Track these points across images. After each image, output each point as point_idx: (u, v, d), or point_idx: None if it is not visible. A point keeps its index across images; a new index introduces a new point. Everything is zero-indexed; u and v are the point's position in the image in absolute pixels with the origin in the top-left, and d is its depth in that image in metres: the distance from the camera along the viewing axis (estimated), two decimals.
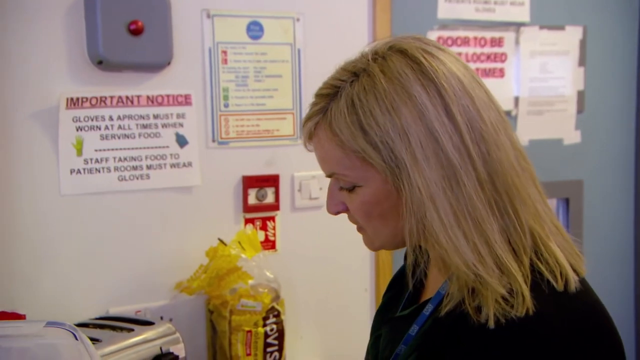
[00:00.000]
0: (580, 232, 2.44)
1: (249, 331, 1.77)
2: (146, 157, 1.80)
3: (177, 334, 1.58)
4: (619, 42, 2.53)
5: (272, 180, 1.95)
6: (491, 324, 0.81)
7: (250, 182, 1.92)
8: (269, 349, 1.80)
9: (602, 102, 2.50)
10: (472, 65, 2.22)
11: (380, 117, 0.86)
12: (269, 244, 1.97)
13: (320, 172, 1.99)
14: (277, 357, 1.82)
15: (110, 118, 1.75)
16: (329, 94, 0.92)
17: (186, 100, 1.84)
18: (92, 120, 1.73)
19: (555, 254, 0.88)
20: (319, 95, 0.94)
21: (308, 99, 2.00)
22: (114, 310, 1.76)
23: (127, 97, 1.77)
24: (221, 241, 1.83)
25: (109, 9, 1.67)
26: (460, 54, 2.22)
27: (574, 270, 0.88)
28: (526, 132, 2.30)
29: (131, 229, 1.80)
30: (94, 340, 1.41)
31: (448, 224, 0.85)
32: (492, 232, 0.85)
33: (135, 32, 1.70)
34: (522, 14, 2.33)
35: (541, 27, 2.37)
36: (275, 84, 1.94)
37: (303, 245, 2.01)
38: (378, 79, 0.88)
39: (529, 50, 2.36)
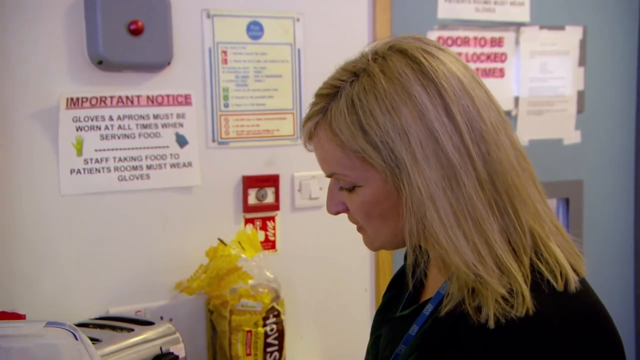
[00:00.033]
0: (580, 232, 2.44)
1: (249, 331, 1.77)
2: (146, 157, 1.80)
3: (177, 334, 1.58)
4: (619, 42, 2.53)
5: (272, 180, 1.95)
6: (491, 324, 0.81)
7: (250, 182, 1.92)
8: (269, 349, 1.80)
9: (602, 102, 2.50)
10: (472, 65, 2.22)
11: (380, 117, 0.87)
12: (269, 244, 1.97)
13: (320, 172, 1.99)
14: (277, 357, 1.82)
15: (110, 118, 1.75)
16: (329, 94, 0.92)
17: (186, 100, 1.84)
18: (92, 120, 1.73)
19: (555, 254, 0.88)
20: (319, 95, 0.94)
21: (308, 99, 2.00)
22: (114, 310, 1.76)
23: (127, 97, 1.77)
24: (221, 241, 1.83)
25: (109, 8, 1.67)
26: (460, 54, 2.22)
27: (574, 270, 0.88)
28: (526, 132, 2.30)
29: (131, 229, 1.80)
30: (94, 340, 1.41)
31: (448, 224, 0.85)
32: (492, 232, 0.85)
33: (135, 32, 1.70)
34: (522, 14, 2.33)
35: (541, 27, 2.37)
36: (275, 84, 1.94)
37: (303, 245, 2.01)
38: (378, 79, 0.88)
39: (529, 50, 2.36)
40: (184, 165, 1.84)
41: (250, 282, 1.80)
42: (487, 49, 2.29)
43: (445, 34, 2.22)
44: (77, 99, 1.71)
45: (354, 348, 2.07)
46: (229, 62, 1.88)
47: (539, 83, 2.38)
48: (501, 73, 2.32)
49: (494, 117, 0.89)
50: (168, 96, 1.82)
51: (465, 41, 2.25)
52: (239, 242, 1.83)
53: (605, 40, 2.49)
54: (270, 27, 1.92)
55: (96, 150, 1.74)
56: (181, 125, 1.83)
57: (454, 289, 0.87)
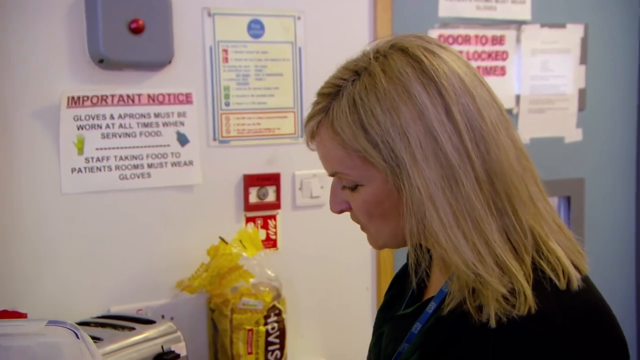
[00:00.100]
0: (582, 230, 2.44)
1: (250, 330, 1.77)
2: (147, 156, 1.80)
3: (179, 333, 1.58)
4: (620, 40, 2.53)
5: (273, 179, 1.95)
6: (492, 323, 0.81)
7: (251, 180, 1.92)
8: (270, 348, 1.80)
9: (603, 100, 2.50)
10: (473, 64, 2.22)
11: (381, 116, 0.86)
12: (270, 243, 1.97)
13: (321, 171, 2.00)
14: (278, 355, 1.82)
15: (111, 117, 1.75)
16: (331, 93, 0.92)
17: (187, 98, 1.84)
18: (93, 118, 1.73)
19: (556, 253, 0.87)
20: (320, 94, 0.94)
21: (309, 97, 2.01)
22: (115, 309, 1.76)
23: (128, 96, 1.77)
24: (222, 240, 1.83)
25: (109, 7, 1.67)
26: (461, 52, 2.22)
27: (577, 268, 0.88)
28: (527, 131, 2.30)
29: (132, 227, 1.80)
30: (95, 338, 1.41)
31: (447, 223, 0.85)
32: (490, 232, 0.85)
33: (136, 30, 1.70)
34: (523, 12, 2.33)
35: (542, 25, 2.36)
36: (276, 82, 1.94)
37: (304, 244, 2.01)
38: (379, 78, 0.88)
39: (530, 48, 2.35)
40: (185, 163, 1.84)
41: (252, 280, 1.80)
42: (488, 47, 2.29)
43: (446, 32, 2.22)
44: (78, 97, 1.71)
45: (355, 346, 2.07)
46: (229, 61, 1.88)
47: (540, 81, 2.38)
48: (502, 71, 2.32)
49: (495, 115, 0.89)
50: (169, 95, 1.81)
51: (466, 39, 2.25)
52: (240, 241, 1.83)
53: (606, 38, 2.48)
54: (271, 25, 1.92)
55: (97, 149, 1.74)
56: (182, 123, 1.83)
57: (455, 289, 0.87)
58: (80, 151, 1.72)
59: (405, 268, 1.11)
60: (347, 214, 1.00)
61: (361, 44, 0.97)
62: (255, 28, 1.91)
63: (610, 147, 2.55)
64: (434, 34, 2.20)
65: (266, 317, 1.79)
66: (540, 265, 0.86)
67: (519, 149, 0.90)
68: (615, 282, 2.60)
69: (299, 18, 1.95)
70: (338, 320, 2.08)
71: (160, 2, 1.74)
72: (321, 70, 1.01)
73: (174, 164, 1.83)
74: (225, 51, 1.88)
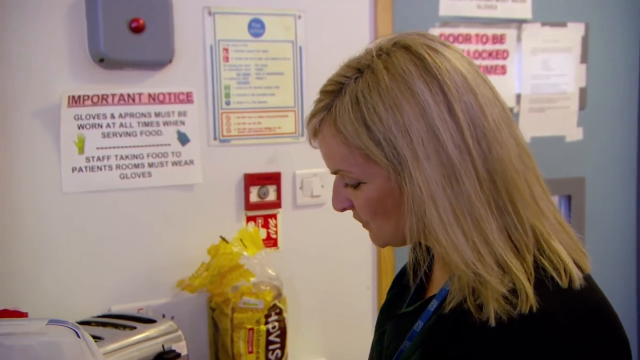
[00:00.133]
0: (582, 229, 2.44)
1: (251, 329, 1.77)
2: (148, 155, 1.80)
3: (179, 332, 1.58)
4: (621, 39, 2.53)
5: (273, 178, 1.95)
6: (492, 322, 0.81)
7: (252, 179, 1.92)
8: (271, 347, 1.80)
9: (604, 99, 2.50)
10: None
11: (383, 114, 0.86)
12: (270, 242, 1.97)
13: (321, 170, 2.00)
14: (279, 354, 1.82)
15: (112, 116, 1.75)
16: (334, 91, 0.92)
17: (188, 98, 1.84)
18: (94, 118, 1.73)
19: (557, 252, 0.87)
20: (323, 92, 0.94)
21: (310, 96, 2.01)
22: (116, 308, 1.76)
23: (128, 95, 1.77)
24: (223, 239, 1.83)
25: (110, 6, 1.67)
26: (461, 51, 2.22)
27: (579, 267, 0.88)
28: (528, 129, 2.30)
29: (133, 226, 1.80)
30: (96, 338, 1.41)
31: (447, 222, 0.85)
32: (491, 230, 0.85)
33: (137, 29, 1.70)
34: (524, 10, 2.32)
35: (543, 24, 2.36)
36: (276, 81, 1.94)
37: (305, 243, 2.01)
38: (382, 76, 0.88)
39: (530, 47, 2.35)
40: (186, 163, 1.84)
41: (252, 279, 1.80)
42: (489, 46, 2.29)
43: (447, 31, 2.22)
44: (79, 96, 1.71)
45: (356, 345, 2.07)
46: (230, 60, 1.88)
47: (540, 80, 2.38)
48: (503, 70, 2.32)
49: (498, 114, 0.89)
50: (169, 94, 1.81)
51: (467, 38, 2.25)
52: (241, 240, 1.83)
53: (607, 37, 2.48)
54: (272, 24, 1.92)
55: (98, 148, 1.74)
56: (183, 123, 1.83)
57: (456, 287, 0.87)
58: (81, 150, 1.72)
59: (407, 266, 1.11)
60: (348, 213, 1.00)
61: (362, 43, 0.97)
62: (256, 27, 1.91)
63: (611, 146, 2.55)
64: (434, 32, 2.19)
65: (267, 316, 1.79)
66: (542, 264, 0.86)
67: (522, 147, 0.90)
68: (615, 281, 2.60)
69: (299, 17, 1.95)
70: (339, 320, 2.08)
71: (161, 1, 1.74)
72: (322, 69, 1.01)
73: (174, 163, 1.83)
74: (226, 50, 1.88)
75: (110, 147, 1.75)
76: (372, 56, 0.90)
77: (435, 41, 0.91)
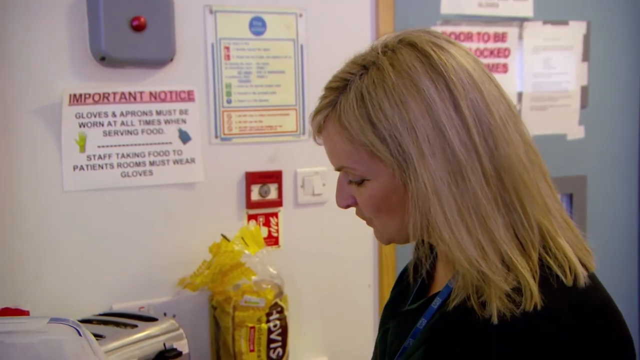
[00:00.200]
0: (584, 227, 2.41)
1: (253, 327, 1.77)
2: (149, 154, 1.80)
3: (181, 330, 1.58)
4: (622, 38, 2.52)
5: (275, 177, 1.95)
6: (494, 320, 0.81)
7: (253, 178, 1.92)
8: (272, 345, 1.80)
9: (605, 98, 2.50)
10: None
11: (388, 110, 0.86)
12: (272, 240, 1.97)
13: (323, 168, 2.00)
14: (281, 353, 1.82)
15: (113, 114, 1.75)
16: (339, 87, 0.92)
17: (189, 96, 1.84)
18: (95, 116, 1.73)
19: (563, 249, 0.87)
20: (328, 89, 0.93)
21: (311, 94, 2.01)
22: (118, 307, 1.76)
23: (129, 94, 1.77)
24: (224, 237, 1.83)
25: (111, 5, 1.67)
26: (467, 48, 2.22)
27: (584, 266, 0.88)
28: (529, 128, 2.27)
29: (134, 225, 1.80)
30: (97, 336, 1.41)
31: (452, 219, 0.84)
32: (497, 228, 0.85)
33: (138, 28, 1.69)
34: (525, 9, 2.32)
35: (545, 22, 2.36)
36: (278, 79, 1.94)
37: (306, 242, 2.01)
38: (387, 72, 0.87)
39: (532, 45, 2.35)
40: (187, 161, 1.84)
41: (254, 278, 1.80)
42: (491, 45, 2.28)
43: (449, 29, 2.21)
44: (80, 95, 1.71)
45: (358, 344, 2.07)
46: (231, 58, 1.88)
47: (542, 78, 2.38)
48: (504, 68, 2.32)
49: (504, 111, 0.88)
50: (171, 92, 1.81)
51: (469, 36, 2.25)
52: (242, 238, 1.83)
53: (609, 35, 2.48)
54: (273, 23, 1.92)
55: (99, 147, 1.74)
56: (184, 121, 1.83)
57: (460, 285, 0.86)
58: (82, 149, 1.72)
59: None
60: (349, 211, 1.00)
61: (363, 41, 0.97)
62: (257, 25, 1.90)
63: (613, 145, 2.55)
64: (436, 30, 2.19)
65: (268, 314, 1.79)
66: (547, 262, 0.86)
67: (528, 144, 0.90)
68: (617, 280, 2.59)
69: (300, 15, 1.95)
70: (340, 318, 2.08)
71: None
72: (323, 67, 1.01)
73: (175, 162, 1.83)
74: (227, 48, 1.87)
75: (111, 146, 1.75)
76: (378, 53, 0.90)
77: (441, 38, 0.91)
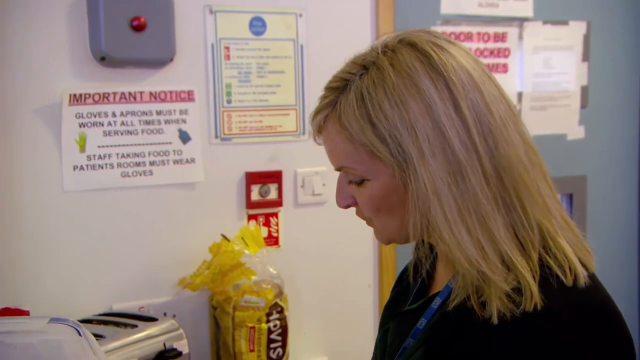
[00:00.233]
0: (584, 227, 2.41)
1: (253, 327, 1.77)
2: (149, 154, 1.80)
3: (181, 330, 1.58)
4: (622, 38, 2.52)
5: (275, 177, 1.95)
6: (494, 320, 0.81)
7: (253, 178, 1.92)
8: (272, 345, 1.80)
9: (605, 98, 2.50)
10: None
11: (388, 110, 0.86)
12: (272, 240, 1.97)
13: (323, 168, 2.00)
14: (281, 353, 1.82)
15: (113, 114, 1.75)
16: (339, 87, 0.92)
17: (189, 96, 1.84)
18: (95, 116, 1.73)
19: (563, 249, 0.87)
20: (328, 89, 0.93)
21: (311, 94, 2.01)
22: (118, 307, 1.76)
23: (129, 94, 1.77)
24: (224, 237, 1.83)
25: (111, 5, 1.67)
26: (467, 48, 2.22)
27: (584, 266, 0.88)
28: (529, 128, 2.27)
29: (134, 225, 1.80)
30: (97, 336, 1.41)
31: (452, 219, 0.84)
32: (497, 228, 0.85)
33: (138, 28, 1.69)
34: (525, 9, 2.32)
35: (545, 22, 2.36)
36: (278, 80, 1.94)
37: (306, 242, 2.01)
38: (387, 73, 0.87)
39: (532, 45, 2.35)
40: (187, 161, 1.84)
41: (254, 278, 1.80)
42: (491, 45, 2.28)
43: (449, 29, 2.21)
44: (80, 95, 1.71)
45: (358, 344, 2.07)
46: (231, 58, 1.88)
47: (542, 78, 2.38)
48: (504, 68, 2.32)
49: (504, 111, 0.88)
50: (171, 92, 1.81)
51: (469, 36, 2.25)
52: (242, 238, 1.83)
53: (609, 35, 2.48)
54: (273, 23, 1.92)
55: (99, 147, 1.74)
56: (184, 121, 1.83)
57: (460, 285, 0.87)
58: (82, 149, 1.72)
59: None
60: (349, 211, 1.00)
61: (363, 41, 0.97)
62: (257, 25, 1.90)
63: (613, 145, 2.55)
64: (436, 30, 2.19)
65: (268, 314, 1.79)
66: (547, 262, 0.86)
67: (528, 144, 0.90)
68: (617, 280, 2.59)
69: (300, 15, 1.95)
70: (340, 318, 2.08)
71: None
72: (323, 67, 1.01)
73: (175, 162, 1.83)
74: (227, 48, 1.87)
75: (111, 146, 1.75)
76: (378, 53, 0.90)
77: (441, 38, 0.91)
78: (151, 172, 1.80)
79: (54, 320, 1.05)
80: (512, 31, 2.31)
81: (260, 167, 1.93)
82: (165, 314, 1.79)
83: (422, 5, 2.19)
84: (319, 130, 0.95)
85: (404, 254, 1.15)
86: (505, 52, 2.31)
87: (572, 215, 0.94)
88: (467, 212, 0.84)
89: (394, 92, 0.86)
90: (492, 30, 2.28)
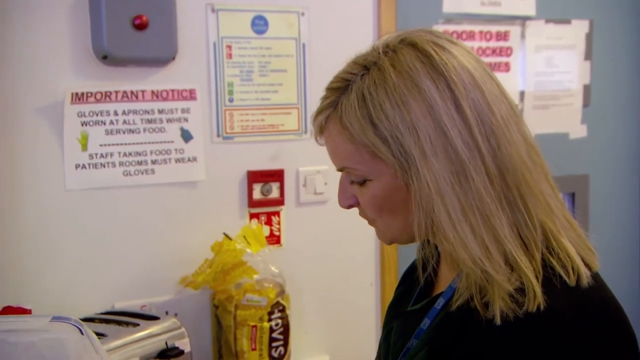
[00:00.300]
0: (586, 226, 2.42)
1: (254, 326, 1.77)
2: (151, 152, 1.80)
3: (183, 329, 1.58)
4: (625, 36, 2.52)
5: (277, 175, 1.95)
6: (497, 320, 0.81)
7: (255, 177, 1.92)
8: (274, 344, 1.80)
9: (608, 96, 2.49)
10: None
11: (390, 111, 0.86)
12: (274, 239, 1.96)
13: (325, 167, 2.00)
14: (282, 351, 1.82)
15: (115, 113, 1.75)
16: (340, 88, 0.92)
17: (191, 95, 1.84)
18: (97, 115, 1.73)
19: (566, 249, 0.87)
20: (329, 89, 0.93)
21: (313, 93, 2.01)
22: (120, 305, 1.77)
23: (131, 92, 1.77)
24: (226, 236, 1.83)
25: (113, 3, 1.67)
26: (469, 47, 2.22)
27: (587, 265, 0.88)
28: (532, 127, 2.26)
29: (136, 224, 1.80)
30: (99, 334, 1.41)
31: (456, 219, 0.84)
32: (501, 227, 0.85)
33: (140, 26, 1.69)
34: (527, 7, 2.32)
35: (547, 21, 2.36)
36: (280, 78, 1.94)
37: (308, 240, 2.01)
38: (388, 73, 0.87)
39: (534, 44, 2.35)
40: (189, 160, 1.84)
41: (256, 276, 1.80)
42: (493, 43, 2.28)
43: (451, 28, 2.21)
44: (82, 93, 1.71)
45: (359, 343, 2.07)
46: (233, 57, 1.88)
47: (544, 77, 2.38)
48: (507, 67, 2.31)
49: (505, 111, 0.88)
50: (173, 91, 1.81)
51: (471, 35, 2.25)
52: (244, 237, 1.83)
53: (611, 34, 2.48)
54: (275, 21, 1.92)
55: (101, 145, 1.74)
56: (186, 120, 1.83)
57: (463, 285, 0.86)
58: (84, 147, 1.72)
59: (414, 264, 1.11)
60: (352, 210, 1.00)
61: (365, 40, 0.97)
62: (259, 24, 1.90)
63: (615, 143, 2.54)
64: (438, 29, 2.19)
65: (270, 313, 1.79)
66: (550, 262, 0.85)
67: (530, 144, 0.90)
68: (620, 278, 2.59)
69: (302, 14, 1.95)
70: (342, 317, 2.08)
71: None
72: (325, 66, 1.01)
73: (177, 160, 1.83)
74: (229, 47, 1.87)
75: (113, 144, 1.75)
76: (379, 53, 0.90)
77: (442, 38, 0.91)
78: (153, 171, 1.80)
79: (56, 318, 1.05)
80: (514, 30, 2.31)
81: (262, 165, 1.93)
82: (167, 313, 1.79)
83: (424, 4, 2.19)
84: (321, 130, 0.95)
85: (406, 253, 1.15)
86: (507, 51, 2.31)
87: (574, 215, 0.94)
88: (471, 212, 0.84)
89: (395, 93, 0.86)
90: (494, 29, 2.28)
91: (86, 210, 1.74)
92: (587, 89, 2.45)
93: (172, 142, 1.82)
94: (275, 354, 1.81)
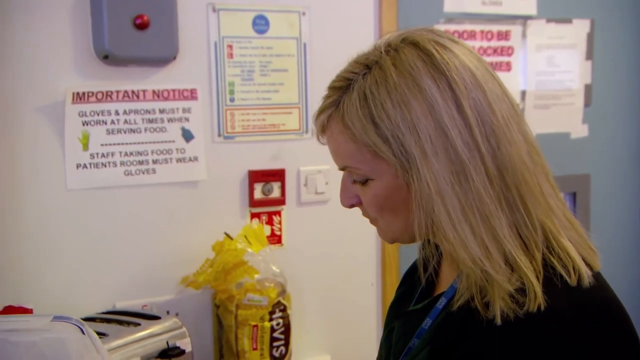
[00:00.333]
0: (588, 226, 2.41)
1: (255, 325, 1.77)
2: (152, 152, 1.80)
3: (184, 329, 1.58)
4: (626, 36, 2.52)
5: (278, 175, 1.95)
6: (497, 320, 0.81)
7: (256, 176, 1.92)
8: (275, 344, 1.80)
9: (609, 96, 2.49)
10: None
11: (391, 110, 0.86)
12: (275, 239, 1.96)
13: (326, 167, 2.00)
14: (283, 351, 1.82)
15: (116, 112, 1.75)
16: (342, 87, 0.92)
17: (192, 94, 1.84)
18: (98, 114, 1.73)
19: (566, 249, 0.87)
20: (331, 88, 0.93)
21: (314, 93, 2.01)
22: (121, 305, 1.77)
23: (132, 92, 1.77)
24: (227, 235, 1.83)
25: (114, 3, 1.67)
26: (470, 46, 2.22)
27: (588, 265, 0.87)
28: (533, 126, 2.26)
29: (137, 223, 1.80)
30: (100, 334, 1.41)
31: (456, 219, 0.84)
32: (500, 227, 0.85)
33: (141, 26, 1.69)
34: (529, 7, 2.32)
35: (548, 21, 2.35)
36: (281, 78, 1.94)
37: (309, 240, 2.01)
38: (389, 72, 0.87)
39: (535, 43, 2.34)
40: (190, 159, 1.84)
41: (257, 276, 1.80)
42: (494, 43, 2.28)
43: (452, 27, 2.21)
44: (83, 93, 1.71)
45: (360, 342, 2.07)
46: (234, 57, 1.88)
47: (545, 77, 2.37)
48: (508, 67, 2.31)
49: (507, 110, 0.88)
50: (174, 90, 1.81)
51: (472, 35, 2.24)
52: (245, 237, 1.83)
53: (612, 33, 2.47)
54: (276, 21, 1.92)
55: (102, 145, 1.74)
56: (187, 119, 1.83)
57: (464, 285, 0.86)
58: (85, 147, 1.72)
59: (415, 264, 1.11)
60: (354, 209, 1.00)
61: (366, 39, 0.97)
62: (260, 24, 1.90)
63: (617, 143, 2.54)
64: (439, 29, 2.19)
65: (271, 313, 1.79)
66: (551, 262, 0.85)
67: (530, 144, 0.90)
68: (621, 278, 2.58)
69: (304, 14, 1.95)
70: (343, 316, 2.08)
71: None
72: (326, 66, 1.01)
73: (178, 160, 1.83)
74: (230, 47, 1.87)
75: (114, 144, 1.75)
76: (380, 52, 0.90)
77: (444, 37, 0.91)
78: (154, 171, 1.80)
79: (57, 318, 1.05)
80: (515, 29, 2.31)
81: (263, 165, 1.93)
82: (168, 312, 1.79)
83: (425, 4, 2.18)
84: (323, 130, 0.95)
85: (408, 253, 1.15)
86: (508, 51, 2.30)
87: (575, 214, 0.94)
88: (471, 212, 0.84)
89: (396, 92, 0.86)
90: (495, 28, 2.27)
91: (87, 210, 1.74)
92: (588, 89, 2.45)
93: (173, 141, 1.82)
94: (276, 354, 1.81)
